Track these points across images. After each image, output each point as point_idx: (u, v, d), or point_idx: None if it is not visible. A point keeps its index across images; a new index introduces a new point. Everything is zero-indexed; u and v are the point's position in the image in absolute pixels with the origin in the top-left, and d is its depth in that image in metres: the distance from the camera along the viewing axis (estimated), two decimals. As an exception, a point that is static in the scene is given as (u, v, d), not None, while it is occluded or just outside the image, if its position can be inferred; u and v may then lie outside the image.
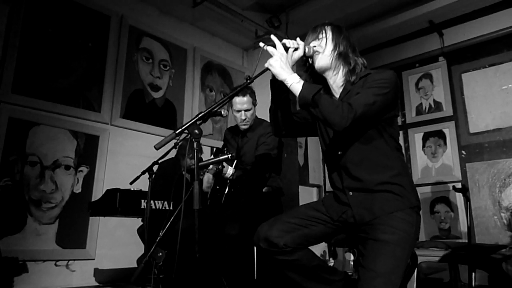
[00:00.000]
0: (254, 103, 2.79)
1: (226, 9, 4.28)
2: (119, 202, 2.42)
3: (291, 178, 4.62)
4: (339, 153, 1.68)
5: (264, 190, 2.63)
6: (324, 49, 1.68)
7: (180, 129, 1.50)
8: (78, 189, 3.34)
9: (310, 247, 1.74)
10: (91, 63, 3.59)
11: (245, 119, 2.74)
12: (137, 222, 3.15)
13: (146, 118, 3.87)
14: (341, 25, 1.77)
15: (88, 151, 3.44)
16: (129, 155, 3.67)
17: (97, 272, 3.34)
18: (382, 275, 1.46)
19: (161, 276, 2.51)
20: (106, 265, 3.39)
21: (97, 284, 3.31)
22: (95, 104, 3.56)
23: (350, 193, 1.64)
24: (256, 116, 2.88)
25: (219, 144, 3.82)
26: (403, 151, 4.73)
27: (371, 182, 1.60)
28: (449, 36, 4.63)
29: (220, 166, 2.36)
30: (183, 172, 3.02)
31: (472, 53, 4.50)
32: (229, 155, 2.18)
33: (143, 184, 2.43)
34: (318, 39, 1.71)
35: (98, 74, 3.62)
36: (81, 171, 3.38)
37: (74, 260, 3.24)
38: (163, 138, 1.52)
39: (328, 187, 4.41)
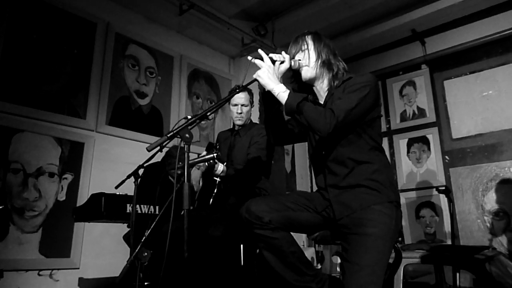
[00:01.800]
0: (251, 102, 2.87)
1: (212, 17, 4.32)
2: (104, 207, 2.39)
3: (278, 185, 4.63)
4: (323, 153, 1.76)
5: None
6: (308, 61, 1.78)
7: (172, 133, 1.55)
8: (62, 196, 3.29)
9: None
10: (77, 70, 3.57)
11: (241, 113, 2.80)
12: (123, 230, 3.10)
13: (132, 125, 3.86)
14: (320, 32, 1.87)
15: (72, 158, 3.40)
16: (115, 162, 3.63)
17: (82, 282, 3.28)
18: (366, 267, 1.50)
19: (146, 283, 2.48)
20: (91, 274, 3.33)
21: (81, 294, 3.26)
22: (80, 111, 3.53)
23: (331, 190, 1.72)
24: (251, 120, 2.94)
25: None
26: (388, 156, 4.85)
27: (350, 180, 1.67)
28: (431, 44, 4.74)
29: (212, 161, 2.35)
30: (170, 178, 3.00)
31: (454, 60, 4.62)
32: (215, 154, 2.18)
33: (129, 189, 2.42)
34: (302, 51, 1.81)
35: (84, 80, 3.60)
36: (66, 178, 3.34)
37: (58, 269, 3.17)
38: (155, 141, 1.56)
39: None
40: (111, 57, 3.81)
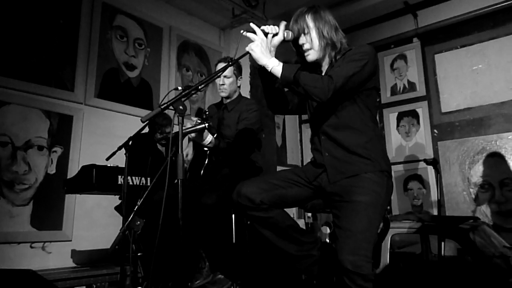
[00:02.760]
0: (235, 73, 2.81)
1: (202, -13, 4.21)
2: (96, 178, 2.39)
3: (269, 158, 4.66)
4: (319, 117, 1.80)
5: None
6: (312, 44, 1.77)
7: (166, 105, 1.55)
8: (52, 170, 3.27)
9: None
10: (63, 41, 3.48)
11: (223, 84, 2.76)
12: (114, 202, 3.13)
13: (121, 98, 3.81)
14: (317, 6, 1.84)
15: (61, 131, 3.36)
16: (105, 135, 3.61)
17: (74, 254, 3.31)
18: (358, 233, 1.55)
19: (138, 254, 2.52)
20: (84, 246, 3.36)
21: (74, 265, 3.29)
22: (68, 83, 3.47)
23: (326, 153, 1.76)
24: (240, 94, 2.91)
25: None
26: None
27: (344, 145, 1.72)
28: (423, 17, 4.71)
29: (205, 126, 2.30)
30: (158, 147, 3.01)
31: (445, 34, 4.60)
32: (206, 124, 2.18)
33: (120, 161, 2.41)
34: (304, 35, 1.78)
35: (71, 52, 3.52)
36: (55, 151, 3.31)
37: (50, 241, 3.20)
38: (146, 113, 1.57)
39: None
40: (98, 28, 3.72)
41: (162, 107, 1.55)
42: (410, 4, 4.66)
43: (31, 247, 3.10)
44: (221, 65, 2.73)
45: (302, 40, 1.79)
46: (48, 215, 3.19)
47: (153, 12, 4.26)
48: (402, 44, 4.92)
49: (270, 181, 1.77)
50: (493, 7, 4.21)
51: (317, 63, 1.84)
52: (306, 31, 1.78)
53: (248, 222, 2.48)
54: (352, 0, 4.72)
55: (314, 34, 1.77)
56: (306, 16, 1.79)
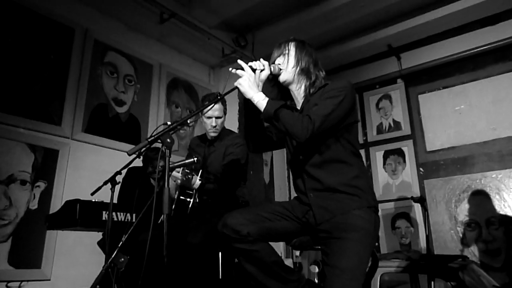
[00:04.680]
0: (225, 112, 2.79)
1: (193, 27, 4.33)
2: (79, 214, 2.32)
3: (257, 195, 4.62)
4: (301, 157, 1.79)
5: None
6: (287, 66, 1.82)
7: (153, 138, 1.55)
8: (34, 205, 3.18)
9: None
10: (53, 76, 3.50)
11: (215, 126, 2.71)
12: (97, 238, 3.02)
13: (109, 133, 3.79)
14: (305, 41, 1.90)
15: (46, 165, 3.30)
16: (91, 170, 3.55)
17: (53, 294, 3.16)
18: (348, 271, 1.52)
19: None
20: (63, 286, 3.22)
21: (51, 306, 3.13)
22: (56, 117, 3.45)
23: (311, 194, 1.73)
24: (224, 127, 2.86)
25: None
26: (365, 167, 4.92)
27: (329, 184, 1.69)
28: (406, 59, 4.89)
29: (189, 176, 2.32)
30: (152, 181, 2.96)
31: (428, 76, 4.78)
32: (195, 159, 2.16)
33: (106, 196, 2.36)
34: (283, 55, 1.84)
35: (60, 87, 3.53)
36: (38, 186, 3.24)
37: (28, 281, 3.05)
38: (134, 146, 1.56)
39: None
40: (89, 64, 3.76)
41: (149, 140, 1.54)
42: (394, 47, 4.85)
43: (7, 286, 2.96)
44: (214, 107, 2.65)
45: (279, 60, 1.84)
46: (27, 252, 3.07)
47: (144, 50, 4.34)
48: (387, 85, 5.07)
49: (257, 213, 1.73)
50: (472, 51, 4.41)
51: (288, 88, 1.86)
52: (284, 53, 1.84)
53: (236, 260, 2.42)
54: (339, 42, 4.90)
55: (291, 58, 1.82)
56: (290, 43, 1.86)
